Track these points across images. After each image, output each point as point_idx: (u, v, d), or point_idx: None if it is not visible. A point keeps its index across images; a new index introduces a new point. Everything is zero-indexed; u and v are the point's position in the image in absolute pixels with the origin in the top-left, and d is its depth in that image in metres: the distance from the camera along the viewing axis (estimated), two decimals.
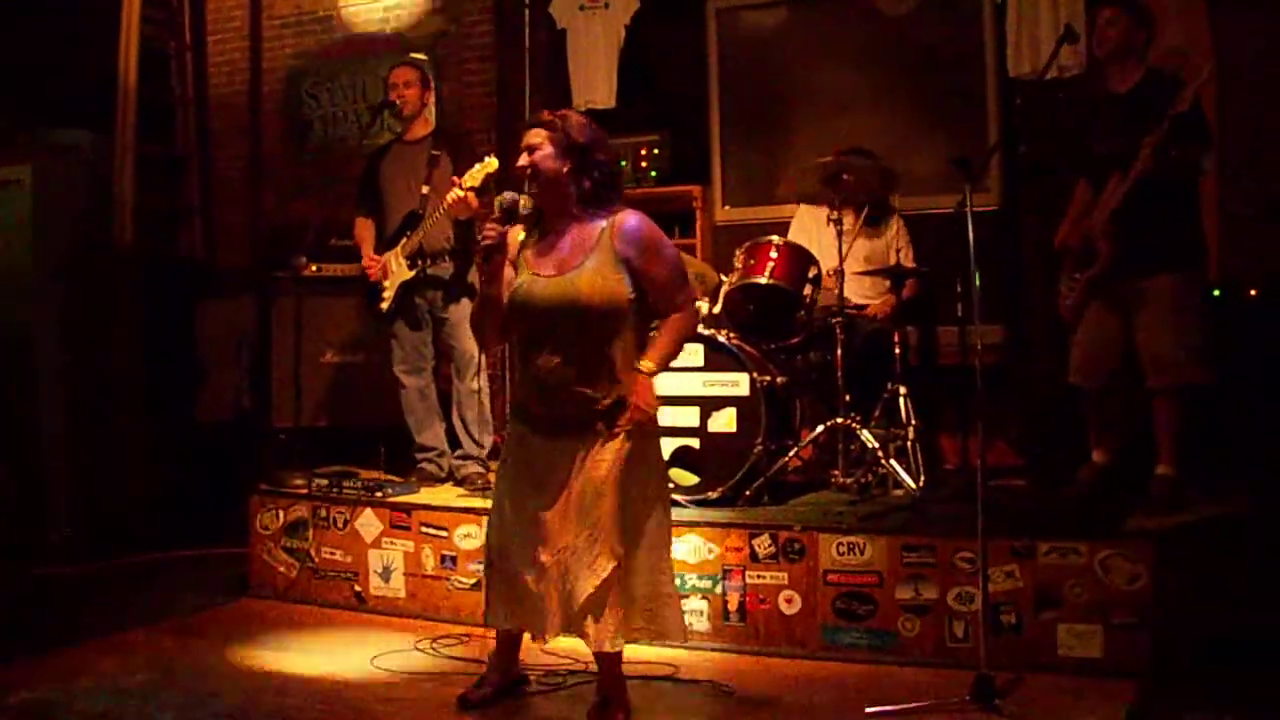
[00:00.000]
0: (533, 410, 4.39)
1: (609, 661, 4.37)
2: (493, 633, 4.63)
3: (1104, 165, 5.68)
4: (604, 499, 4.19)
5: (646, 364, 4.26)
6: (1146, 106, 5.49)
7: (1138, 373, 5.66)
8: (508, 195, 4.34)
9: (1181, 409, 5.63)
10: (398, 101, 6.90)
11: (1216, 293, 6.71)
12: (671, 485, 5.79)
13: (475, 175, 4.23)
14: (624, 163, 8.44)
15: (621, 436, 4.22)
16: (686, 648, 5.34)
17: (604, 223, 4.25)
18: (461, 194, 4.31)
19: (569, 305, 4.19)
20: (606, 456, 4.21)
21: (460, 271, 6.67)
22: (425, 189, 6.64)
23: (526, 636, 4.62)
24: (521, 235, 4.42)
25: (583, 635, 4.26)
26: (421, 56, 7.22)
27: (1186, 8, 7.15)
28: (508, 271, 4.39)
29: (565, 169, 4.25)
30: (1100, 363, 5.78)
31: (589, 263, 4.21)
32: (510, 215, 4.32)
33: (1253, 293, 6.73)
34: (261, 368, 8.17)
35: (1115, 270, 5.61)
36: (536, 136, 4.29)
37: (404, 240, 6.66)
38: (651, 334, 4.42)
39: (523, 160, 4.31)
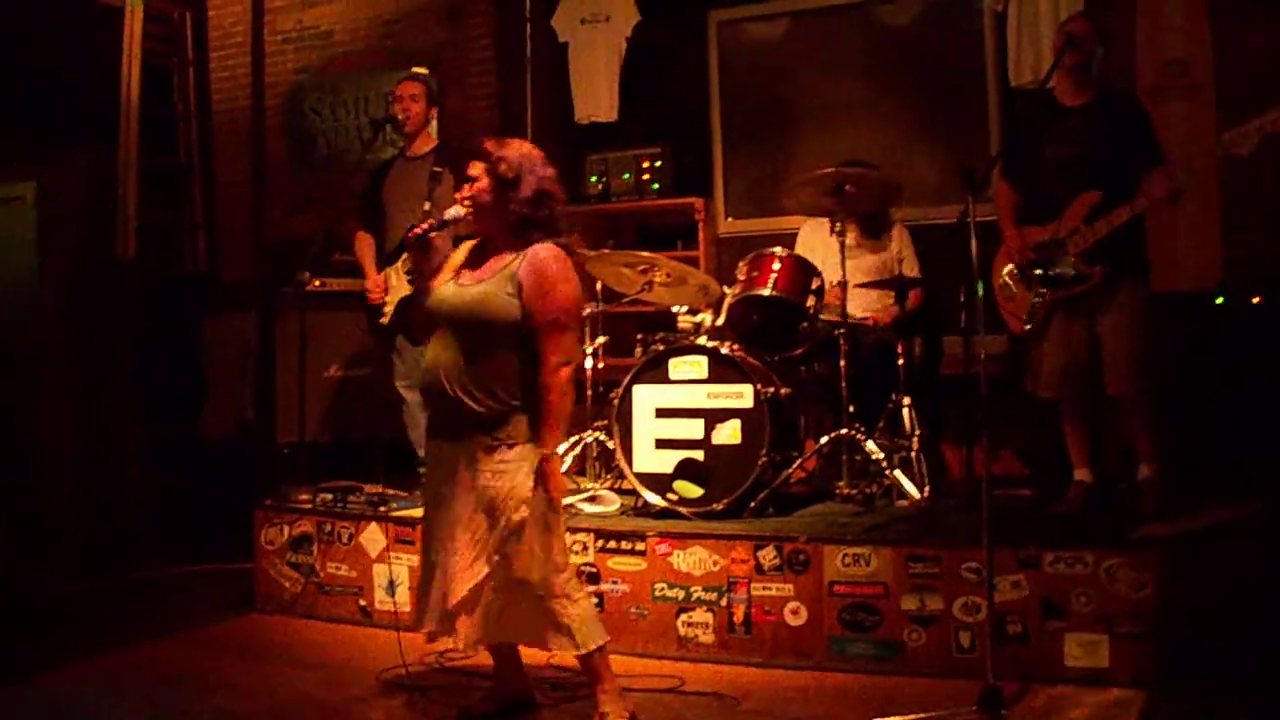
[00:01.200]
0: (428, 412, 4.61)
1: (585, 666, 4.50)
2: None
3: (1056, 174, 5.73)
4: (484, 510, 4.31)
5: (544, 448, 4.33)
6: (1101, 123, 5.61)
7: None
8: (450, 210, 4.52)
9: (1149, 410, 5.68)
10: (401, 115, 6.91)
11: (1220, 300, 6.72)
12: (675, 498, 5.85)
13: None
14: (627, 175, 8.47)
15: (503, 449, 4.31)
16: (691, 660, 5.36)
17: (519, 252, 4.39)
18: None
19: (461, 313, 4.36)
20: (492, 466, 4.30)
21: None
22: (427, 205, 6.65)
23: (525, 650, 4.72)
24: (462, 253, 4.60)
25: (453, 633, 4.39)
26: (424, 71, 7.21)
27: (1188, 19, 7.16)
28: (443, 278, 4.54)
29: (495, 199, 4.40)
30: (1073, 372, 5.77)
31: (495, 279, 4.36)
32: (442, 224, 4.52)
33: (1256, 300, 6.73)
34: (265, 382, 8.17)
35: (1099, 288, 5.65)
36: (474, 169, 4.45)
37: (405, 256, 6.66)
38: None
39: (462, 191, 4.48)
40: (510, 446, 4.31)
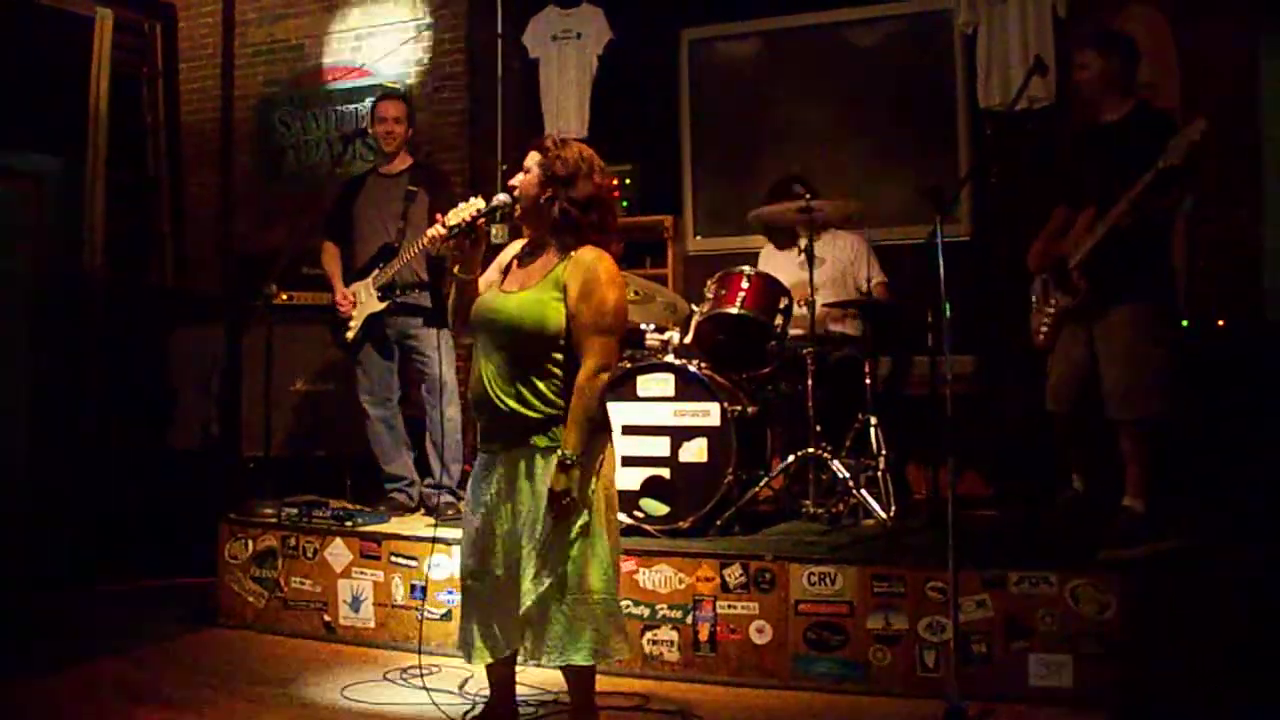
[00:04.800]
0: (479, 423, 4.44)
1: (579, 684, 4.32)
2: (458, 661, 4.58)
3: (1086, 193, 5.71)
4: (543, 517, 4.15)
5: (563, 453, 4.13)
6: (1132, 140, 5.50)
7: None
8: (498, 196, 4.41)
9: (1143, 441, 5.59)
10: (383, 137, 6.88)
11: (1185, 324, 6.76)
12: (641, 515, 5.83)
13: (459, 213, 4.24)
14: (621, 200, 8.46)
15: (555, 454, 4.14)
16: (657, 678, 5.35)
17: (565, 255, 4.27)
18: (443, 231, 4.32)
19: (504, 321, 4.25)
20: (552, 471, 4.14)
21: (433, 300, 6.68)
22: (402, 224, 6.65)
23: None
24: (514, 250, 4.48)
25: (519, 651, 4.24)
26: (397, 86, 7.20)
27: (1155, 43, 7.22)
28: (490, 276, 4.45)
29: (543, 196, 4.30)
30: (1070, 389, 5.77)
31: (540, 285, 4.25)
32: (491, 210, 4.39)
33: (1220, 323, 6.77)
34: (231, 395, 8.13)
35: (1089, 304, 5.63)
36: (531, 160, 4.37)
37: (375, 273, 6.66)
38: None
39: (514, 179, 4.38)
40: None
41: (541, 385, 4.21)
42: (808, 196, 6.55)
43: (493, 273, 4.48)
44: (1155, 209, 5.38)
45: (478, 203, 4.39)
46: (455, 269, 4.40)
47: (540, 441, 4.19)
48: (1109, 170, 5.52)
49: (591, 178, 4.33)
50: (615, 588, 4.29)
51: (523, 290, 4.28)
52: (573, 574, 4.15)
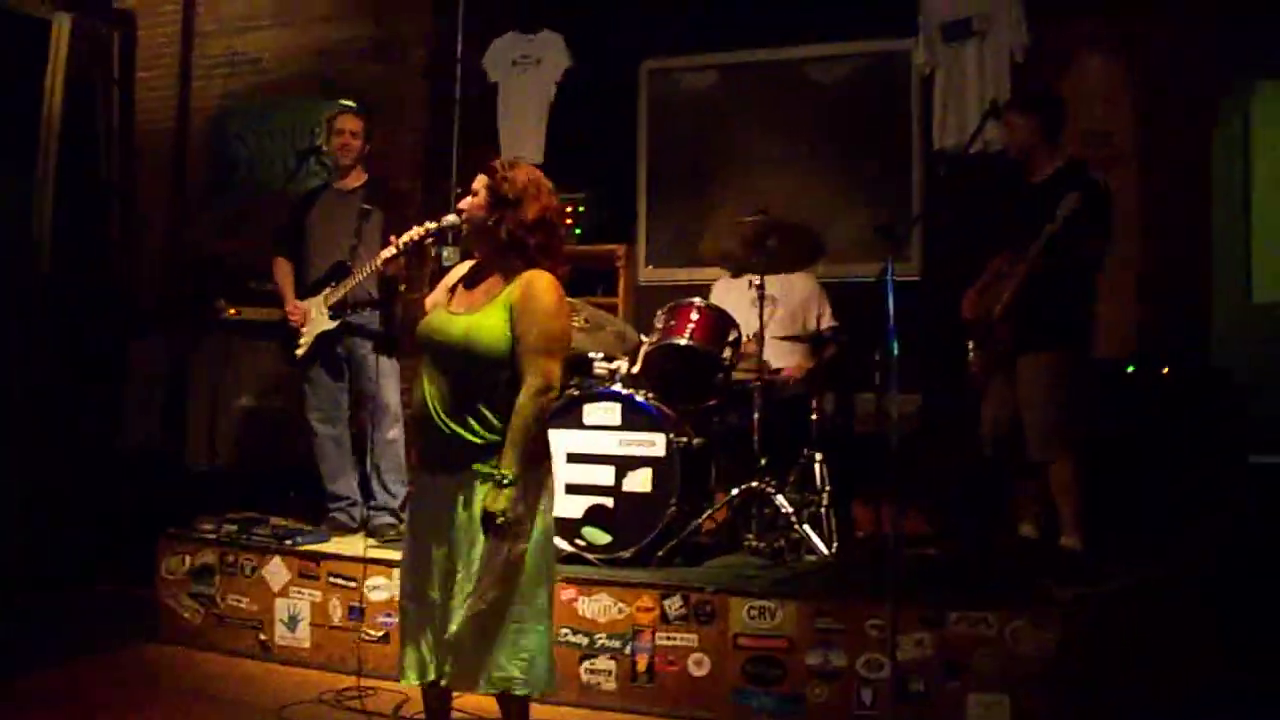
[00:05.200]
0: (419, 445, 4.41)
1: (513, 712, 4.28)
2: (395, 685, 4.53)
3: (1006, 243, 5.89)
4: (479, 542, 4.11)
5: (499, 470, 4.08)
6: (1049, 200, 5.64)
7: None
8: (447, 217, 4.37)
9: (1066, 481, 5.75)
10: (339, 150, 6.86)
11: (1130, 369, 6.83)
12: (583, 544, 5.82)
13: (410, 234, 4.24)
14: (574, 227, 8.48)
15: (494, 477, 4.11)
16: (594, 708, 5.33)
17: (512, 278, 4.25)
18: (396, 252, 4.31)
19: (451, 343, 4.21)
20: (483, 497, 4.12)
21: (383, 321, 6.64)
22: (355, 241, 6.61)
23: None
24: (460, 271, 4.45)
25: (441, 676, 4.18)
26: (352, 104, 7.18)
27: (1110, 89, 7.31)
28: (436, 297, 4.42)
29: (491, 218, 4.26)
30: (997, 433, 5.90)
31: (487, 308, 4.22)
32: (439, 230, 4.35)
33: (1165, 370, 6.85)
34: (177, 407, 8.08)
35: (1009, 352, 5.81)
36: (478, 182, 4.34)
37: (328, 291, 6.62)
38: None
39: (462, 203, 4.36)
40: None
41: (485, 410, 4.17)
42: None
43: (439, 293, 4.45)
44: (1069, 262, 5.62)
45: (429, 223, 4.38)
46: (402, 288, 4.39)
47: (481, 468, 4.14)
48: (1024, 224, 5.73)
49: (539, 200, 4.28)
50: (549, 619, 4.26)
51: (469, 313, 4.25)
52: (505, 602, 4.12)
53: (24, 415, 8.12)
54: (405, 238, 4.32)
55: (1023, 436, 5.81)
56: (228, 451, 7.57)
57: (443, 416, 4.19)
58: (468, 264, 4.48)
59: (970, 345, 6.07)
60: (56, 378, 8.34)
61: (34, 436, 8.14)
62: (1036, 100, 6.05)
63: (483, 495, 4.10)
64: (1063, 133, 6.02)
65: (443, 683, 4.19)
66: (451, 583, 4.16)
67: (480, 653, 4.12)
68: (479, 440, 4.16)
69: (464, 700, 4.70)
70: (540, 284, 4.20)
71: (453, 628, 4.11)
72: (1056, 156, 5.90)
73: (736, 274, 7.18)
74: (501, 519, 4.02)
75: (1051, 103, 6.04)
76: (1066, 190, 5.58)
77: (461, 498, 4.18)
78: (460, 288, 4.40)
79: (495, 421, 4.16)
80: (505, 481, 4.04)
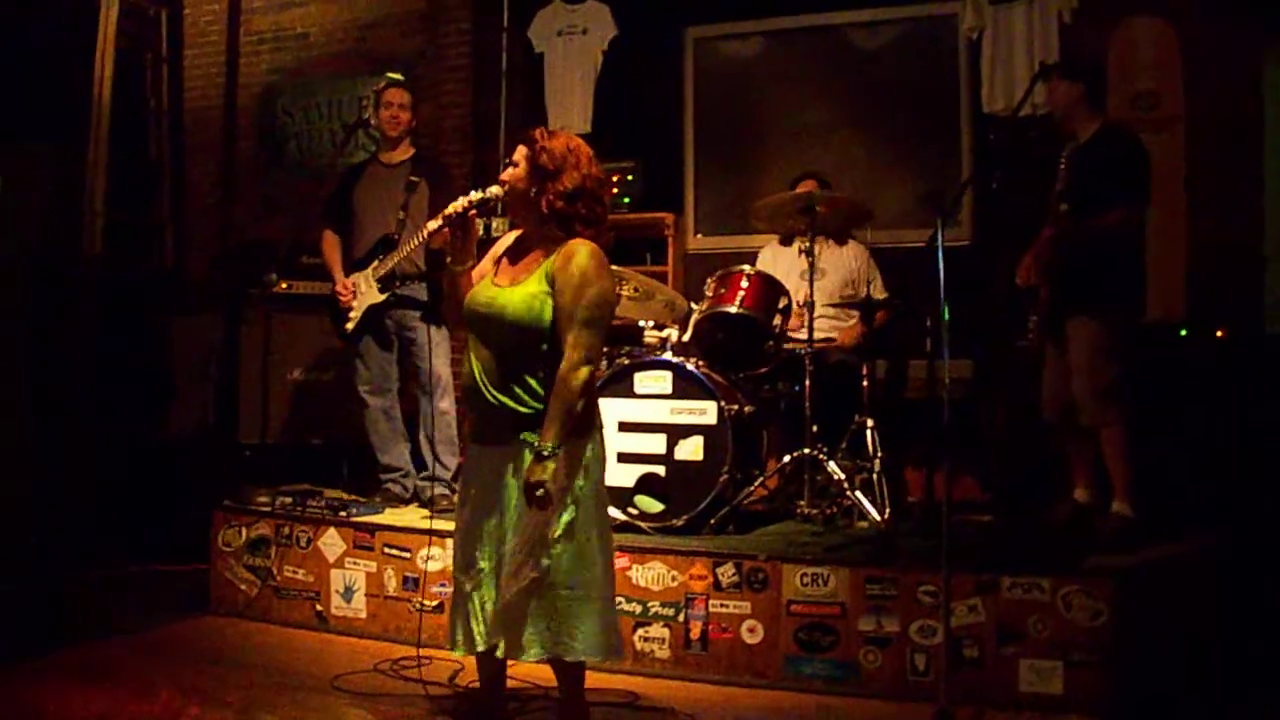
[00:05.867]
0: (471, 417, 4.43)
1: (568, 679, 4.35)
2: (454, 654, 4.56)
3: (1052, 206, 5.84)
4: (528, 512, 4.14)
5: (541, 445, 4.09)
6: (1090, 162, 5.66)
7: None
8: (492, 188, 4.36)
9: (1117, 447, 5.68)
10: (387, 123, 6.85)
11: (1183, 333, 6.77)
12: (636, 512, 5.83)
13: (457, 207, 4.24)
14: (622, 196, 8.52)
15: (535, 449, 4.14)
16: (647, 675, 5.35)
17: (554, 249, 4.25)
18: (439, 225, 4.31)
19: (496, 315, 4.23)
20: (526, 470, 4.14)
21: (431, 292, 6.66)
22: (402, 214, 6.63)
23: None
24: (507, 242, 4.46)
25: (497, 644, 4.20)
26: (399, 77, 7.19)
27: (1159, 53, 7.23)
28: (483, 268, 4.45)
29: (531, 189, 4.27)
30: (1055, 400, 5.88)
31: (529, 279, 4.24)
32: (483, 202, 4.34)
33: (1220, 334, 6.78)
34: (229, 384, 8.13)
35: (1053, 315, 5.77)
36: (518, 153, 4.34)
37: (375, 263, 6.65)
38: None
39: (504, 174, 4.35)
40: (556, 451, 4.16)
41: (532, 380, 4.20)
42: (810, 187, 6.57)
43: (486, 264, 4.47)
44: (1089, 231, 5.61)
45: (474, 193, 4.37)
46: (448, 261, 4.40)
47: (530, 437, 4.15)
48: (1071, 186, 5.72)
49: (578, 169, 4.28)
50: (607, 586, 4.29)
51: (513, 285, 4.27)
52: (557, 570, 4.14)
53: (76, 396, 8.19)
54: (449, 210, 4.33)
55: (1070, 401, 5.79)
56: (280, 427, 7.60)
57: (490, 388, 4.23)
58: (513, 235, 4.49)
59: (1030, 312, 6.04)
60: (108, 358, 8.40)
61: (87, 416, 8.21)
62: (1080, 67, 6.00)
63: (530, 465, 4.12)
64: (1105, 99, 5.97)
65: (497, 653, 4.22)
66: (502, 552, 4.20)
67: (534, 621, 4.15)
68: (526, 410, 4.19)
69: (517, 668, 4.72)
70: (580, 253, 4.20)
71: (505, 597, 4.15)
72: (1097, 121, 5.84)
73: (786, 241, 7.17)
74: (542, 491, 4.03)
75: (1095, 70, 6.00)
76: (1104, 152, 5.55)
77: (511, 467, 4.21)
78: (505, 259, 4.42)
79: (542, 391, 4.19)
80: (545, 454, 4.05)
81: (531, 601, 4.14)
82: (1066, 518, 5.90)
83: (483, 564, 4.26)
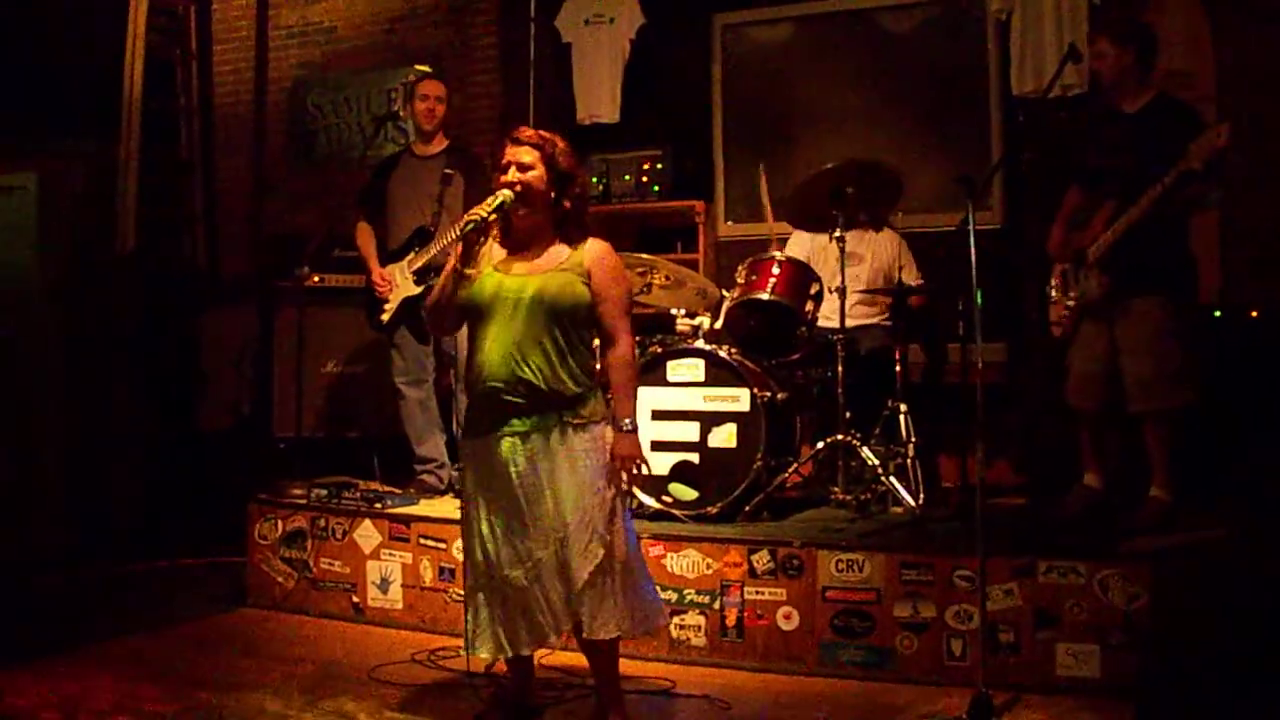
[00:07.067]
0: (478, 408, 4.44)
1: (604, 662, 4.43)
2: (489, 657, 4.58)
3: (1100, 178, 5.75)
4: (586, 487, 4.27)
5: (624, 421, 4.35)
6: (1152, 133, 5.51)
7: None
8: (504, 191, 4.39)
9: (1168, 432, 5.62)
10: (423, 116, 6.86)
11: (1217, 314, 6.72)
12: (670, 500, 5.85)
13: (476, 214, 4.29)
14: (628, 177, 8.58)
15: (592, 427, 4.32)
16: (683, 662, 5.36)
17: (576, 245, 4.43)
18: (511, 195, 4.38)
19: (526, 301, 4.31)
20: (586, 444, 4.30)
21: None
22: (437, 206, 6.65)
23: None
24: (494, 245, 4.52)
25: (579, 622, 4.27)
26: (427, 69, 7.20)
27: (1190, 31, 7.18)
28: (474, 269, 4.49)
29: (552, 191, 4.39)
30: (1095, 384, 5.78)
31: (564, 269, 4.38)
32: (501, 208, 4.37)
33: (1254, 314, 6.74)
34: (263, 377, 8.17)
35: (1109, 298, 5.65)
36: (528, 155, 4.40)
37: (411, 255, 6.67)
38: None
39: (514, 176, 4.39)
40: (596, 423, 4.33)
41: (572, 361, 4.33)
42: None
43: (484, 264, 4.48)
44: (1176, 206, 5.41)
45: (502, 194, 4.41)
46: (456, 264, 4.41)
47: (571, 417, 4.30)
48: (1129, 163, 5.54)
49: (579, 169, 4.53)
50: (644, 560, 4.56)
51: (534, 274, 4.37)
52: (617, 545, 4.29)
53: (111, 391, 8.25)
54: (468, 217, 4.36)
55: (1116, 385, 5.70)
56: (314, 419, 7.63)
57: (532, 369, 4.28)
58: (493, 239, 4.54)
59: (1053, 289, 5.96)
60: (142, 355, 8.46)
61: (124, 412, 8.27)
62: (1128, 29, 5.85)
63: (579, 443, 4.29)
64: (1154, 64, 5.86)
65: (584, 634, 4.31)
66: (563, 536, 4.25)
67: (611, 597, 4.28)
68: (569, 391, 4.31)
69: (551, 657, 4.73)
70: (607, 251, 4.45)
71: (582, 577, 4.23)
72: (1146, 89, 5.75)
73: (816, 228, 7.14)
74: (634, 463, 4.31)
75: (1147, 35, 5.83)
76: (1167, 125, 5.47)
77: (557, 449, 4.30)
78: (502, 260, 4.47)
79: (580, 372, 4.35)
80: (627, 428, 4.30)
81: (605, 578, 4.26)
82: (1080, 507, 5.87)
83: (540, 553, 4.28)
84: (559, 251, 4.42)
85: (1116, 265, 5.57)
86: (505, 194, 4.37)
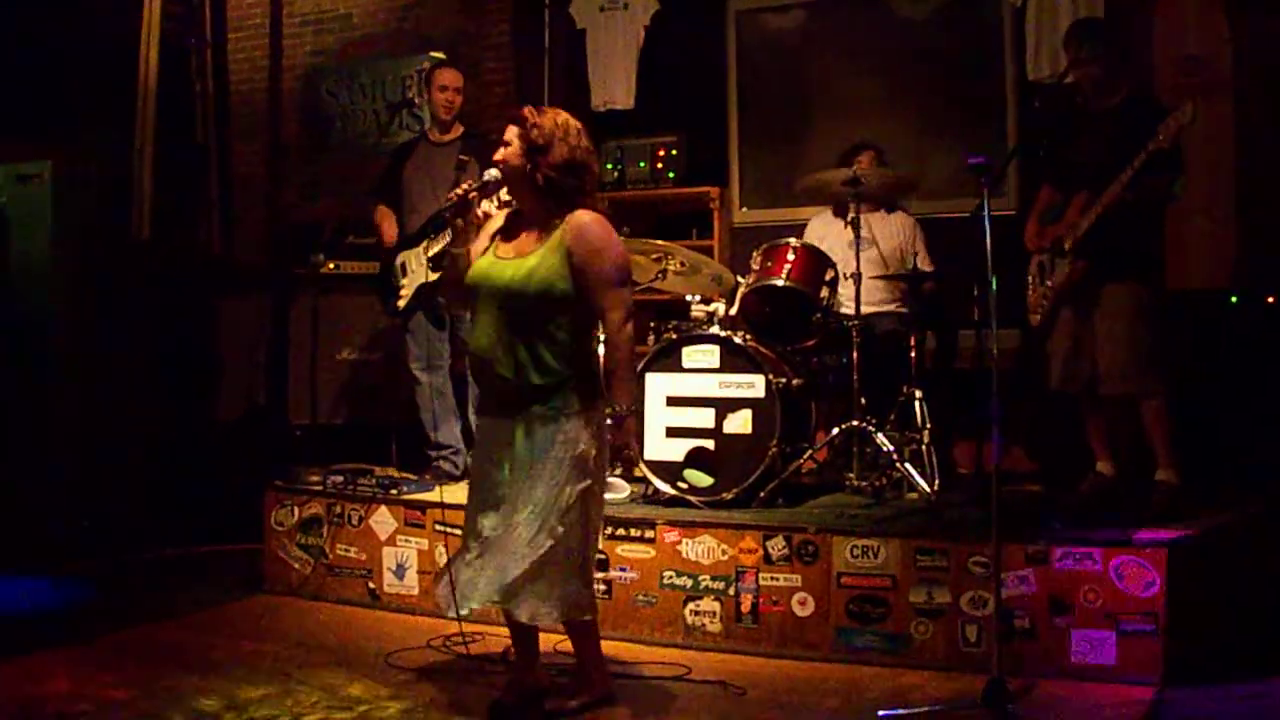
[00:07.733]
0: (478, 390, 4.59)
1: (577, 639, 4.56)
2: (503, 630, 4.64)
3: (1071, 173, 5.82)
4: (543, 480, 4.30)
5: (618, 405, 4.36)
6: (1123, 126, 5.57)
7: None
8: (489, 171, 4.49)
9: (1156, 413, 5.67)
10: (441, 105, 6.89)
11: (1234, 299, 6.71)
12: (685, 486, 5.85)
13: (459, 191, 4.37)
14: (643, 164, 8.55)
15: (560, 420, 4.32)
16: (698, 648, 5.37)
17: (560, 218, 4.39)
18: (499, 173, 4.43)
19: (508, 287, 4.35)
20: (551, 437, 4.31)
21: None
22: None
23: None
24: (500, 220, 4.58)
25: (518, 609, 4.33)
26: (442, 56, 7.20)
27: (1206, 16, 7.14)
28: (481, 245, 4.55)
29: (526, 166, 4.39)
30: (1079, 368, 5.83)
31: (539, 251, 4.37)
32: (483, 185, 4.51)
33: (1270, 300, 6.72)
34: (278, 364, 8.19)
35: (1085, 283, 5.71)
36: (509, 133, 4.47)
37: (426, 242, 6.67)
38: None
39: (497, 154, 4.47)
40: (567, 417, 4.32)
41: (544, 352, 4.33)
42: (866, 160, 6.56)
43: (482, 241, 4.57)
44: (1147, 190, 5.46)
45: (488, 173, 4.47)
46: (447, 242, 4.47)
47: (539, 409, 4.33)
48: (1101, 155, 5.62)
49: (566, 141, 4.41)
50: (593, 547, 4.53)
51: (519, 257, 4.40)
52: (569, 537, 4.31)
53: (127, 380, 8.27)
54: (452, 194, 4.42)
55: (1095, 368, 5.75)
56: (329, 406, 7.65)
57: (502, 359, 4.34)
58: (503, 214, 4.62)
59: (1031, 278, 6.00)
60: (157, 342, 8.48)
61: (138, 400, 8.29)
62: (1095, 50, 5.86)
63: (542, 434, 4.32)
64: (1126, 65, 5.90)
65: (521, 618, 4.36)
66: (513, 521, 4.32)
67: (552, 587, 4.32)
68: (538, 382, 4.32)
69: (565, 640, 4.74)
70: (589, 222, 4.38)
71: (523, 566, 4.28)
72: (1118, 89, 5.78)
73: (839, 213, 7.14)
74: (627, 450, 4.40)
75: (1113, 48, 5.86)
76: (1140, 121, 5.49)
77: (521, 439, 4.36)
78: (501, 236, 4.53)
79: (553, 364, 4.34)
80: (622, 414, 4.31)
81: (549, 569, 4.30)
82: (1093, 494, 5.88)
83: (489, 533, 4.38)
84: (543, 231, 4.42)
85: (1091, 251, 5.64)
86: (491, 173, 4.46)
